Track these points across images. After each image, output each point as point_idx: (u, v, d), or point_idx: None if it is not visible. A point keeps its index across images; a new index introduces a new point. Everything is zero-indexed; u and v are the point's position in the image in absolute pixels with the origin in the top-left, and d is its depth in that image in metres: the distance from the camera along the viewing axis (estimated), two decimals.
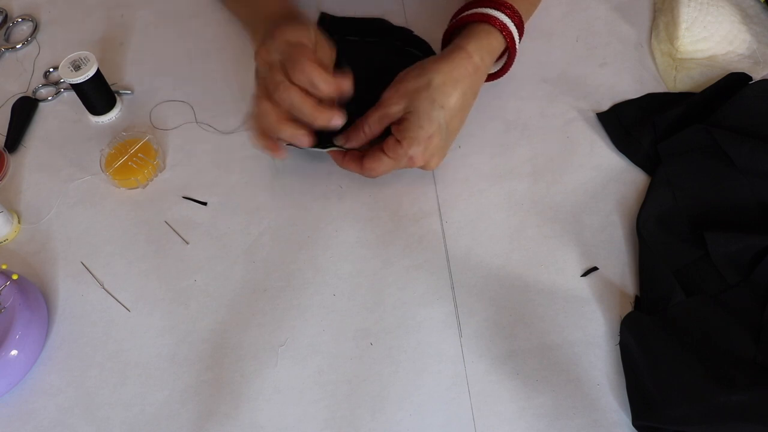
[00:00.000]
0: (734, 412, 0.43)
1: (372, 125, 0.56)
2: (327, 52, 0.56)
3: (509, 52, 0.59)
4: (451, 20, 0.60)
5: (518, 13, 0.58)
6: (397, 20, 0.72)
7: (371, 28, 0.71)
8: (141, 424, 0.50)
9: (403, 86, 0.55)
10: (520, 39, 0.59)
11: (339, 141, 0.58)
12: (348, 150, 0.58)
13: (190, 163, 0.64)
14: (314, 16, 0.73)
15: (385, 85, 0.58)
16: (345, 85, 0.52)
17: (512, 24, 0.57)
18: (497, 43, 0.57)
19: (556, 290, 0.53)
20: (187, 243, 0.59)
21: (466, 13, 0.58)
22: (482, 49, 0.56)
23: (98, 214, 0.62)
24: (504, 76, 0.62)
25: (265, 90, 0.53)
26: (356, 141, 0.57)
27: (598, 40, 0.69)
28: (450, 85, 0.54)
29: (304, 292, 0.55)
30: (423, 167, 0.56)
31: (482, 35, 0.56)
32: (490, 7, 0.57)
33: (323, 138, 0.59)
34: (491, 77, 0.62)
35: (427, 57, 0.67)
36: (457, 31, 0.59)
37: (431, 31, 0.70)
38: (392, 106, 0.54)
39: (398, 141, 0.54)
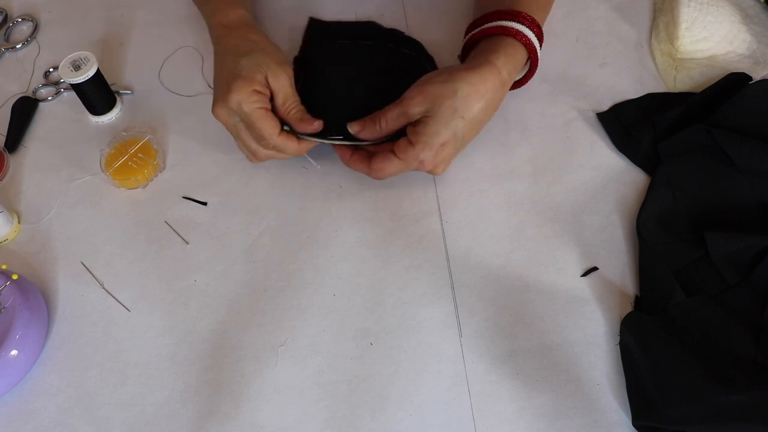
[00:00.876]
0: (734, 412, 0.43)
1: (390, 121, 0.55)
2: (280, 77, 0.57)
3: (531, 66, 0.59)
4: (472, 29, 0.60)
5: (538, 25, 0.58)
6: (397, 21, 0.72)
7: (362, 31, 0.71)
8: (141, 424, 0.50)
9: (428, 89, 0.54)
10: (540, 50, 0.59)
11: (353, 128, 0.57)
12: (357, 146, 0.58)
13: (190, 163, 0.64)
14: (304, 22, 0.73)
15: (382, 86, 0.58)
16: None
17: (535, 37, 0.57)
18: (522, 57, 0.57)
19: (556, 290, 0.53)
20: (187, 243, 0.59)
21: (492, 25, 0.57)
22: (509, 64, 0.56)
23: (98, 214, 0.62)
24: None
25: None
26: (370, 133, 0.56)
27: (598, 40, 0.69)
28: (475, 98, 0.54)
29: (304, 292, 0.55)
30: (430, 172, 0.57)
31: (509, 50, 0.56)
32: (514, 21, 0.56)
33: (330, 129, 0.58)
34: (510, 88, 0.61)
35: (421, 55, 0.67)
36: (477, 41, 0.59)
37: (431, 31, 0.70)
38: (414, 107, 0.54)
39: (411, 143, 0.54)
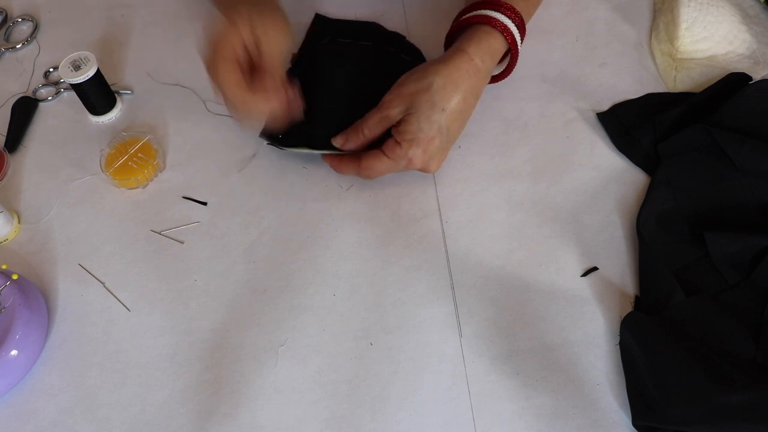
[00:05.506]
0: (734, 412, 0.43)
1: (372, 127, 0.56)
2: (273, 42, 0.52)
3: (511, 53, 0.59)
4: (453, 23, 0.60)
5: (519, 14, 0.58)
6: (397, 20, 0.72)
7: (365, 31, 0.71)
8: (141, 424, 0.50)
9: (404, 89, 0.55)
10: (521, 40, 0.59)
11: (337, 142, 0.58)
12: (344, 153, 0.58)
13: (190, 163, 0.64)
14: (308, 16, 0.73)
15: (377, 89, 0.58)
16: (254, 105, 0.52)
17: (513, 25, 0.57)
18: (498, 44, 0.57)
19: (556, 290, 0.53)
20: (182, 243, 0.59)
21: (467, 15, 0.58)
22: (482, 50, 0.56)
23: (98, 214, 0.62)
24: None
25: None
26: (354, 142, 0.57)
27: (598, 40, 0.69)
28: (451, 88, 0.54)
29: (304, 292, 0.55)
30: (422, 170, 0.57)
31: (483, 37, 0.56)
32: (490, 9, 0.57)
33: (318, 141, 0.59)
34: (495, 79, 0.62)
35: (418, 62, 0.67)
36: (458, 33, 0.59)
37: (431, 31, 0.70)
38: (393, 108, 0.54)
39: (398, 142, 0.54)
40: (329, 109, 0.61)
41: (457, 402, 0.49)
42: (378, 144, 0.57)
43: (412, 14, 0.73)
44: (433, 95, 0.53)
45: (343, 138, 0.57)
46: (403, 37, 0.71)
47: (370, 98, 0.58)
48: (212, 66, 0.51)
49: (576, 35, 0.70)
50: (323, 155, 0.60)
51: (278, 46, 0.53)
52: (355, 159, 0.57)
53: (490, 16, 0.56)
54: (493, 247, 0.56)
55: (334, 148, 0.59)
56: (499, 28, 0.56)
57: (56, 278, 0.58)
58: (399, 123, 0.55)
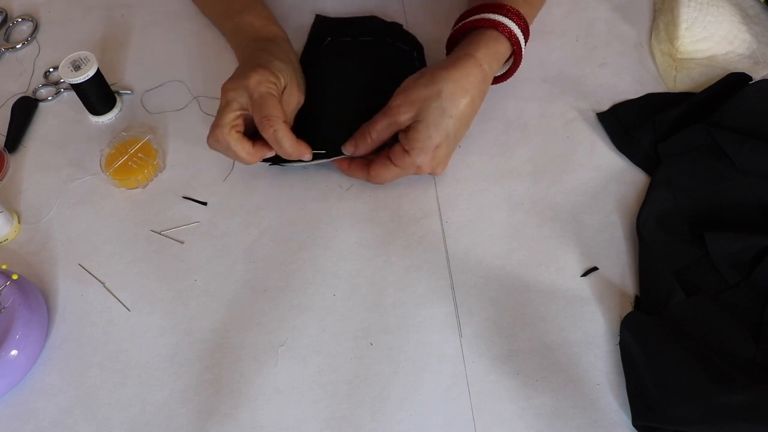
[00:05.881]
0: (734, 412, 0.43)
1: (380, 132, 0.56)
2: (295, 96, 0.58)
3: (514, 58, 0.59)
4: (456, 24, 0.60)
5: (524, 19, 0.58)
6: (396, 19, 0.72)
7: (364, 26, 0.71)
8: (141, 424, 0.50)
9: (412, 94, 0.54)
10: (525, 44, 0.59)
11: (347, 149, 0.58)
12: (354, 158, 0.59)
13: (190, 163, 0.64)
14: (309, 17, 0.73)
15: (378, 84, 0.58)
16: (305, 153, 0.56)
17: (519, 30, 0.57)
18: (504, 49, 0.57)
19: (556, 290, 0.53)
20: (182, 243, 0.59)
21: (474, 18, 0.58)
22: (490, 56, 0.56)
23: (98, 214, 0.62)
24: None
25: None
26: (364, 148, 0.57)
27: (598, 40, 0.69)
28: (460, 94, 0.54)
29: (304, 292, 0.55)
30: (430, 173, 0.57)
31: (490, 42, 0.56)
32: (498, 14, 0.57)
33: (324, 146, 0.59)
34: (495, 81, 0.61)
35: (415, 51, 0.68)
36: (462, 35, 0.59)
37: (431, 31, 0.70)
38: (401, 115, 0.54)
39: (406, 150, 0.55)
40: (331, 110, 0.61)
41: (457, 402, 0.49)
42: (386, 144, 0.57)
43: (411, 12, 0.73)
44: (443, 102, 0.53)
45: (353, 145, 0.57)
46: (400, 26, 0.71)
47: (371, 94, 0.58)
48: (269, 112, 0.53)
49: (576, 35, 0.70)
50: (332, 160, 0.60)
51: (294, 101, 0.58)
52: (364, 165, 0.58)
53: (498, 21, 0.56)
54: (493, 247, 0.56)
55: (332, 155, 0.58)
56: (506, 33, 0.56)
57: (56, 278, 0.58)
58: (407, 129, 0.55)
